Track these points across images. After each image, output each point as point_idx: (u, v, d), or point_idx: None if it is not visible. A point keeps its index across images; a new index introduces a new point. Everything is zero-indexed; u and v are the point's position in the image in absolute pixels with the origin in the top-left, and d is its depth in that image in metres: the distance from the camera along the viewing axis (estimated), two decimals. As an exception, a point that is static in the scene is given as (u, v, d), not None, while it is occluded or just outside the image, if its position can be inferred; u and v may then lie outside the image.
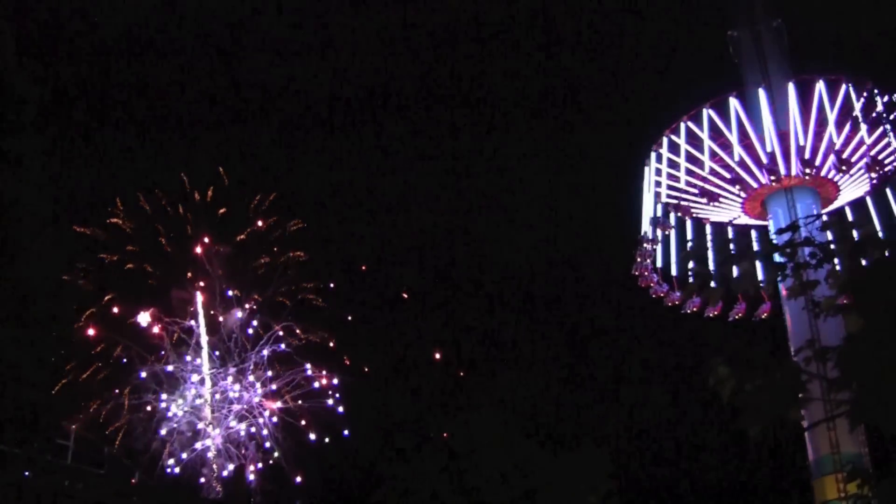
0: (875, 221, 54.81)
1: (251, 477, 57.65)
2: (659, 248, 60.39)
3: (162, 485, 54.92)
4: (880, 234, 53.93)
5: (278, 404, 58.88)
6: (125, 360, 56.88)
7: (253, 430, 58.43)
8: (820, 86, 55.40)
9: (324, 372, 59.36)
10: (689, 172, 58.34)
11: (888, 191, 56.85)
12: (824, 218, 57.97)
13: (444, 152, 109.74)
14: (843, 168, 54.27)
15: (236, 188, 61.30)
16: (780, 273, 13.81)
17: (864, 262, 13.36)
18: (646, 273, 60.30)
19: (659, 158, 59.84)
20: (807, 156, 54.38)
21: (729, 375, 13.36)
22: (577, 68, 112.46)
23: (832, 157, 54.43)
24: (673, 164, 59.27)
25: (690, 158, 58.14)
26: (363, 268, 67.52)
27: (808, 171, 54.41)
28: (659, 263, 60.88)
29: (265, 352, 58.69)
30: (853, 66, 54.67)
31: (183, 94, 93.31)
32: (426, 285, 78.94)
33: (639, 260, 59.98)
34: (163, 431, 56.59)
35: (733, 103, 56.85)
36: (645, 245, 59.47)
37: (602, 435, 50.27)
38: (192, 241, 59.27)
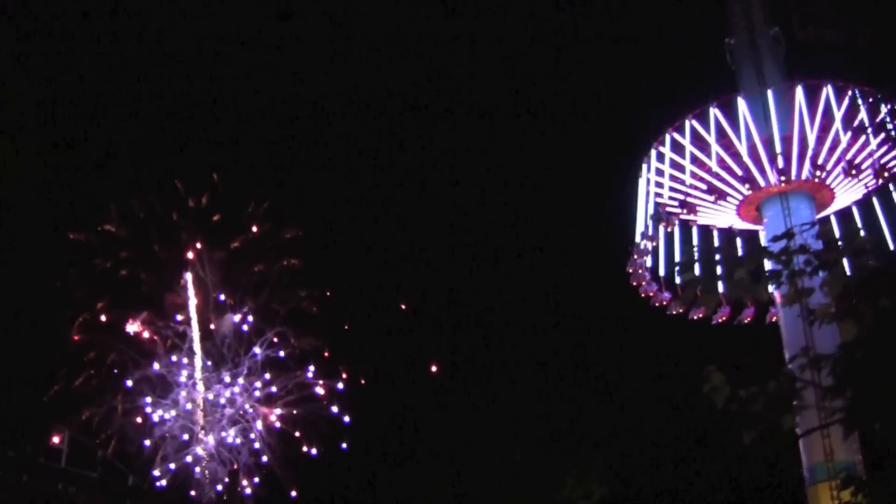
0: (861, 229, 54.80)
1: (244, 482, 57.51)
2: (659, 246, 60.45)
3: (154, 488, 54.84)
4: (877, 237, 54.39)
5: (278, 411, 58.83)
6: (118, 365, 56.87)
7: (251, 436, 58.37)
8: (828, 90, 55.46)
9: (320, 382, 59.29)
10: (677, 179, 58.41)
11: (874, 200, 57.06)
12: (829, 217, 58.72)
13: (438, 155, 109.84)
14: (853, 172, 54.35)
15: (231, 194, 61.24)
16: (775, 280, 13.84)
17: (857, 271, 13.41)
18: (640, 271, 60.36)
19: (660, 158, 59.90)
20: (807, 160, 54.48)
21: (723, 383, 13.39)
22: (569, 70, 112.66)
23: (832, 162, 54.53)
24: (674, 165, 59.27)
25: (677, 166, 58.27)
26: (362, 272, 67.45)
27: (817, 174, 54.53)
28: (653, 264, 60.97)
29: (259, 354, 58.62)
30: (857, 72, 54.71)
31: (179, 98, 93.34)
32: (423, 290, 78.82)
33: (635, 257, 60.04)
34: (156, 435, 56.55)
35: (722, 108, 56.91)
36: (641, 245, 59.52)
37: (595, 441, 50.15)
38: (185, 247, 59.18)
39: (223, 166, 65.33)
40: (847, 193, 57.31)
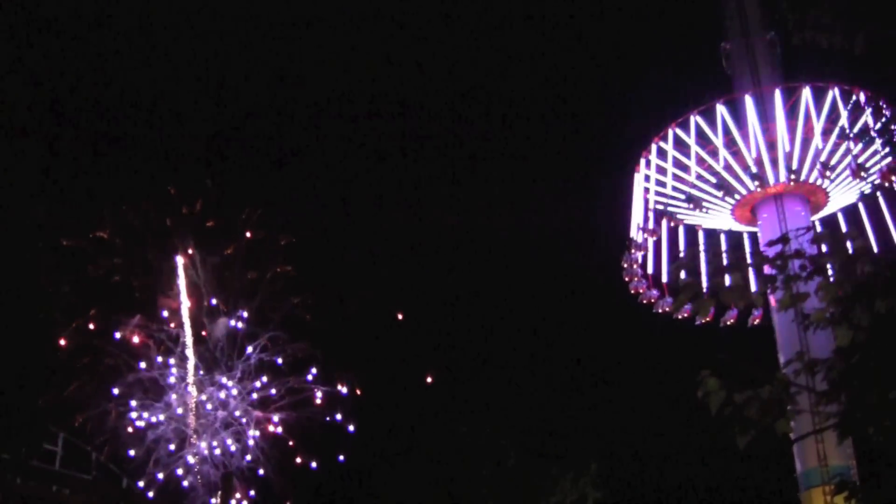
0: (853, 236, 54.69)
1: (237, 486, 57.47)
2: (650, 247, 60.60)
3: (150, 490, 54.82)
4: (868, 240, 54.52)
5: (272, 417, 58.77)
6: (111, 369, 56.80)
7: (247, 440, 58.31)
8: (806, 93, 55.68)
9: (314, 388, 59.23)
10: (678, 178, 58.53)
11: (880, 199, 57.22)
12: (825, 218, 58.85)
13: (436, 157, 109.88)
14: (828, 175, 54.60)
15: (225, 201, 61.15)
16: (770, 285, 13.84)
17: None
18: (635, 279, 60.43)
19: (648, 165, 60.08)
20: (794, 163, 54.64)
21: (718, 387, 13.38)
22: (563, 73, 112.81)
23: (818, 165, 54.64)
24: (662, 171, 59.45)
25: (682, 165, 58.37)
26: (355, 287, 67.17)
27: (793, 178, 54.72)
28: (646, 264, 61.07)
29: (252, 355, 58.61)
30: (846, 75, 54.83)
31: (173, 104, 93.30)
32: (418, 294, 78.77)
33: (626, 267, 60.14)
34: (149, 439, 56.46)
35: (720, 109, 57.04)
36: (635, 246, 59.58)
37: (589, 445, 50.13)
38: (179, 252, 59.12)
39: (217, 172, 65.06)
40: (842, 196, 57.49)
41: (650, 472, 69.25)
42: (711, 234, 62.05)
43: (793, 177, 54.61)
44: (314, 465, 58.61)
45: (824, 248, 13.91)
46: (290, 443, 58.81)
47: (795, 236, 14.00)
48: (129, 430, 56.22)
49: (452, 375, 69.56)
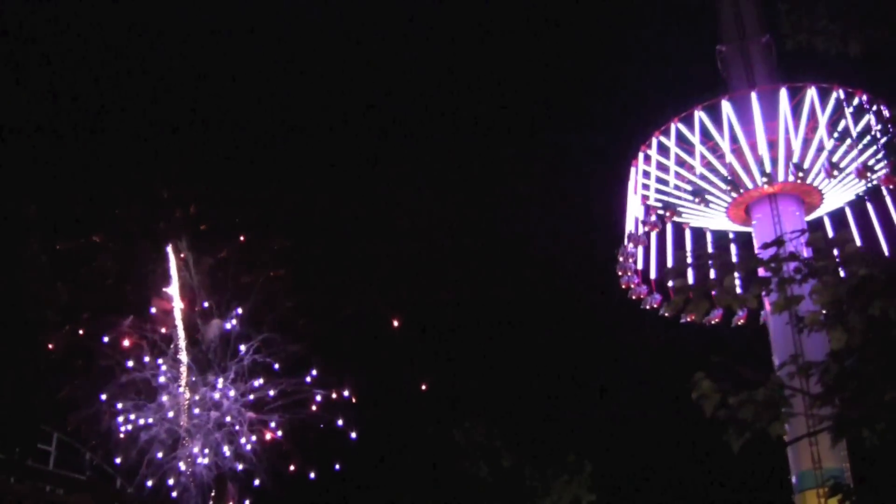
0: (851, 237, 54.66)
1: (231, 488, 57.41)
2: (641, 250, 60.62)
3: (142, 492, 54.76)
4: (869, 242, 54.50)
5: (265, 419, 58.70)
6: (104, 371, 56.72)
7: (239, 443, 58.27)
8: (812, 93, 55.65)
9: (311, 391, 59.18)
10: (676, 175, 58.56)
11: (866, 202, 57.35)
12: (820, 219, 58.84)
13: (432, 160, 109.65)
14: (834, 174, 54.48)
15: (219, 204, 61.07)
16: (765, 287, 13.84)
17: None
18: (628, 273, 60.46)
19: (647, 160, 60.08)
20: (801, 162, 54.65)
21: (712, 390, 13.38)
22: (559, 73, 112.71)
23: (819, 164, 54.65)
24: (660, 167, 59.44)
25: (678, 161, 58.40)
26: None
27: (798, 177, 54.70)
28: (642, 265, 61.14)
29: (244, 354, 58.55)
30: (839, 79, 54.94)
31: (168, 107, 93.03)
32: (414, 298, 78.61)
33: (620, 260, 60.17)
34: (142, 440, 56.37)
35: (725, 107, 57.10)
36: (633, 240, 59.59)
37: (585, 448, 50.17)
38: (172, 255, 59.09)
39: (211, 176, 64.84)
40: (837, 195, 57.54)
41: (644, 475, 69.34)
42: (699, 234, 62.34)
43: (800, 174, 54.63)
44: (312, 475, 58.58)
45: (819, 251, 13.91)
46: (280, 437, 58.73)
47: (790, 239, 14.00)
48: (122, 431, 56.18)
49: (447, 379, 69.40)
